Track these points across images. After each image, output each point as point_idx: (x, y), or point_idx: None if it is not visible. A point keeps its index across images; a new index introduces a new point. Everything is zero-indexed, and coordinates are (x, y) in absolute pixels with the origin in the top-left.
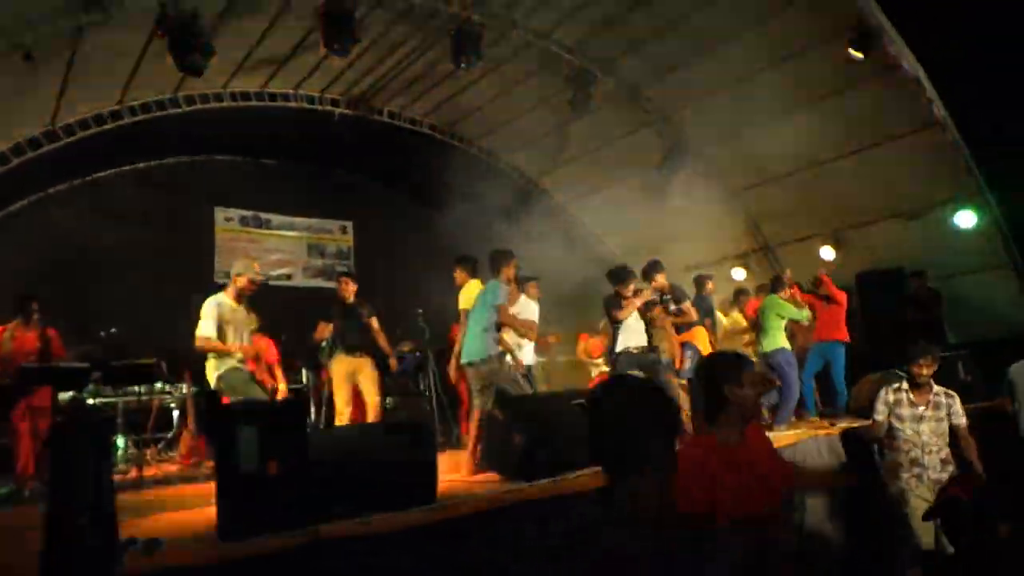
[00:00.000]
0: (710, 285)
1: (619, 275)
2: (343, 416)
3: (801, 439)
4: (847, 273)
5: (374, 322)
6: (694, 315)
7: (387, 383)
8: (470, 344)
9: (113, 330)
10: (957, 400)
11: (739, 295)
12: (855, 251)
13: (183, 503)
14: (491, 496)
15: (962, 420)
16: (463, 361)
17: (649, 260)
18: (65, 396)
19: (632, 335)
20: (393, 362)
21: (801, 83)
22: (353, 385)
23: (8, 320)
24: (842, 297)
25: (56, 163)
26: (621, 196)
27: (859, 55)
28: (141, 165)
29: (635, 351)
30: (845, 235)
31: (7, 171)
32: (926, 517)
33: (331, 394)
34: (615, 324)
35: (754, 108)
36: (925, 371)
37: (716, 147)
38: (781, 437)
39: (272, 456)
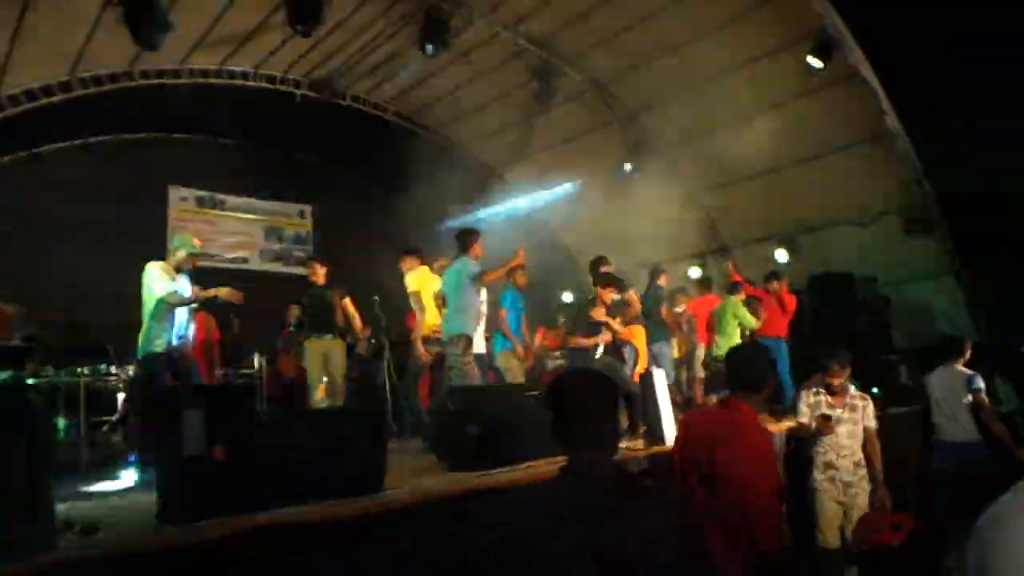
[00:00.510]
0: (663, 278)
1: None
2: (319, 396)
3: None
4: (799, 275)
5: (348, 305)
6: (637, 307)
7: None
8: (445, 323)
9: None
10: (871, 403)
11: (676, 293)
12: (808, 255)
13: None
14: (437, 486)
15: (872, 423)
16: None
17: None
18: (3, 376)
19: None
20: (363, 345)
21: (763, 88)
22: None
23: None
24: (792, 305)
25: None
26: (581, 191)
27: (818, 63)
28: (92, 140)
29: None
30: (799, 239)
31: None
32: (850, 561)
33: (292, 379)
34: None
35: (716, 110)
36: (836, 380)
37: (678, 147)
38: None
39: (218, 440)
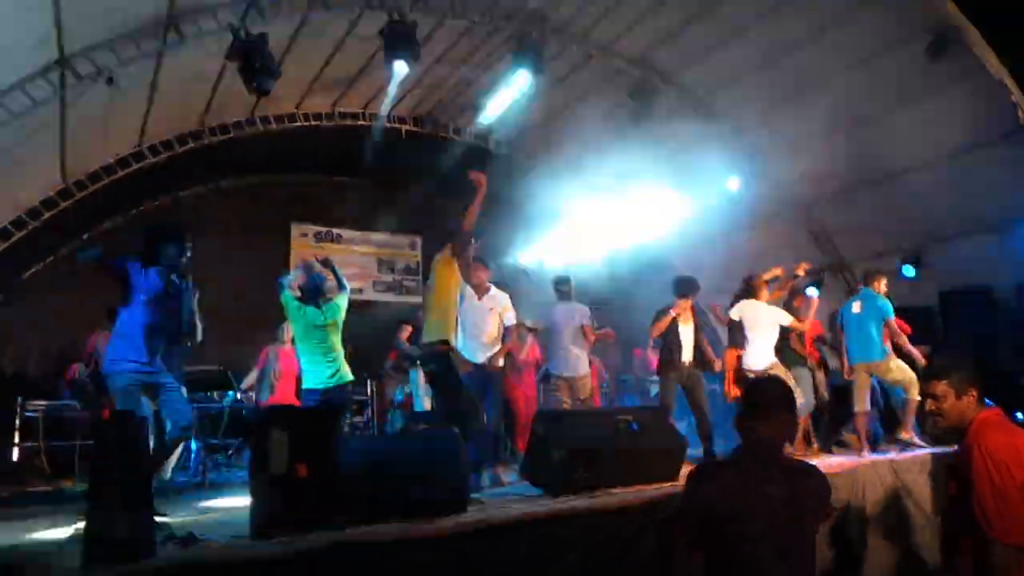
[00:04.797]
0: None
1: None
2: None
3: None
4: (928, 291)
5: None
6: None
7: None
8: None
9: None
10: None
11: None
12: (937, 268)
13: (237, 505)
14: (521, 511)
15: None
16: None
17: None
18: None
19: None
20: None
21: (876, 91)
22: None
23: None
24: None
25: (142, 182)
26: (686, 210)
27: (937, 59)
28: (222, 184)
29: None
30: (927, 251)
31: (99, 189)
32: None
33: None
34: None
35: (826, 118)
36: None
37: (786, 158)
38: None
39: (301, 459)
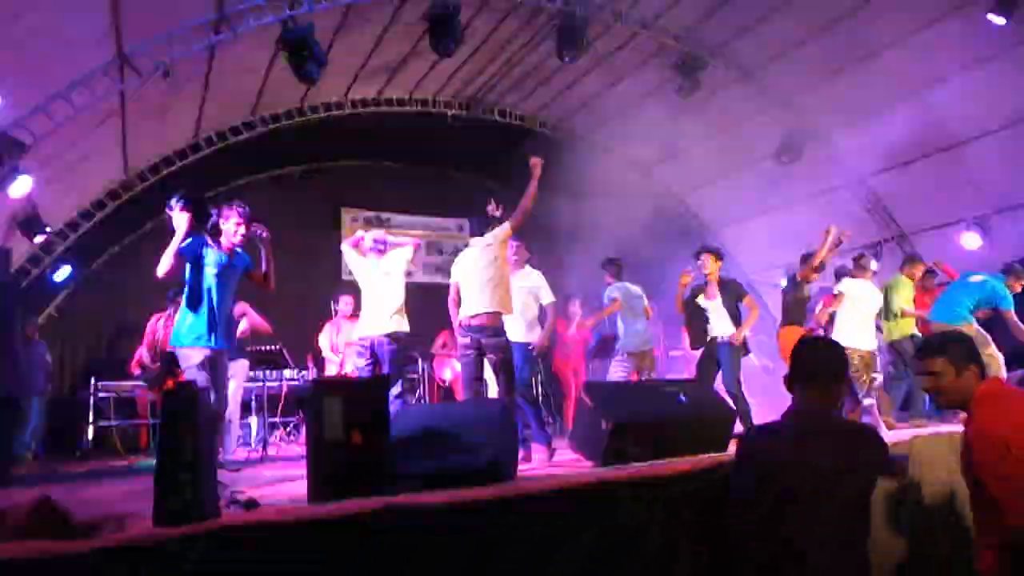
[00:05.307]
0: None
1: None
2: None
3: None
4: (994, 263)
5: None
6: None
7: None
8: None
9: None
10: None
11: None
12: (1003, 238)
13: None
14: (567, 478)
15: None
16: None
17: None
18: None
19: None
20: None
21: (938, 55)
22: None
23: (162, 309)
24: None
25: (199, 172)
26: (738, 186)
27: (1000, 20)
28: (275, 172)
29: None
30: (991, 220)
31: (158, 180)
32: None
33: (446, 381)
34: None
35: (884, 86)
36: None
37: (841, 129)
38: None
39: (354, 427)
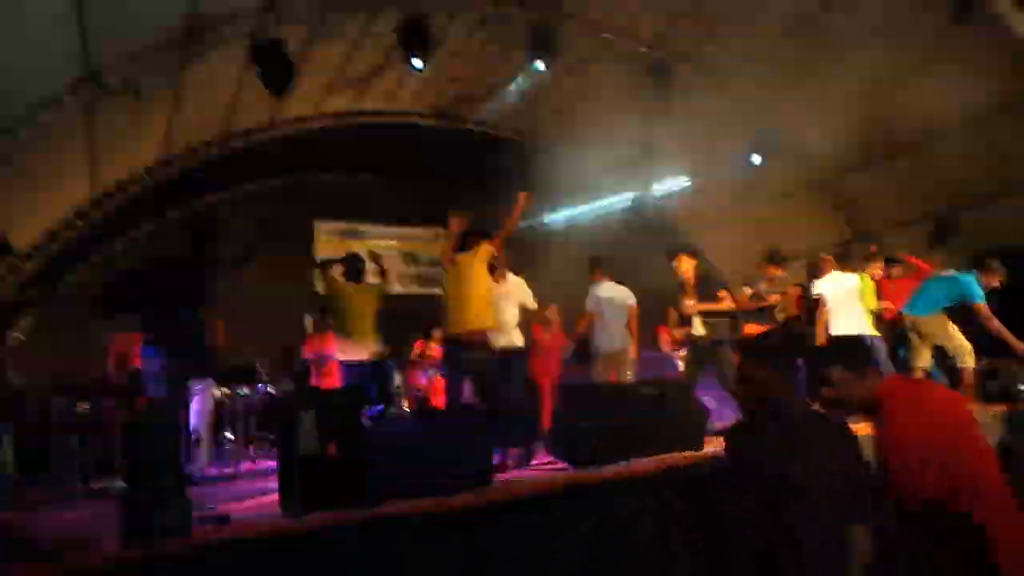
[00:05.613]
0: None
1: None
2: None
3: None
4: (956, 259)
5: None
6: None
7: None
8: None
9: None
10: None
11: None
12: (969, 234)
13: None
14: (543, 481)
15: None
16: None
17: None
18: None
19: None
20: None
21: (900, 56)
22: None
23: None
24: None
25: (170, 190)
26: (710, 188)
27: (959, 21)
28: (246, 187)
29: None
30: (954, 217)
31: (128, 198)
32: None
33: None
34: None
35: (851, 86)
36: None
37: (807, 129)
38: None
39: (329, 439)
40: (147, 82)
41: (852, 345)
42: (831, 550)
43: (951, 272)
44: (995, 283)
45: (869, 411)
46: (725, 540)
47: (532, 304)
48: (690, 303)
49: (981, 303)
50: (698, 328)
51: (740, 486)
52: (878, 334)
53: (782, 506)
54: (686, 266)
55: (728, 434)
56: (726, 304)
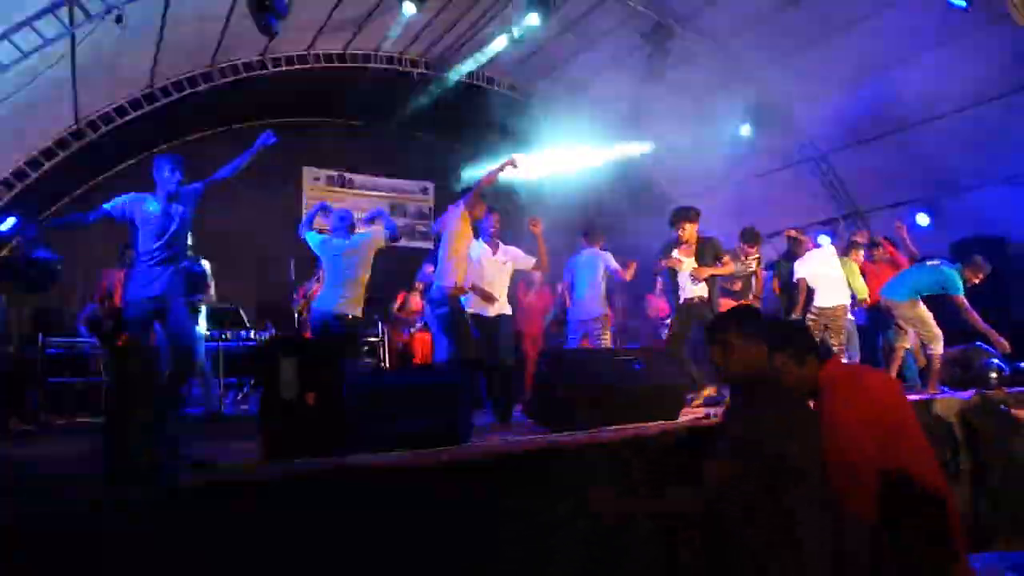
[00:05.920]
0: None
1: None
2: None
3: None
4: (941, 243)
5: None
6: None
7: None
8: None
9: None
10: None
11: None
12: (952, 219)
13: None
14: (518, 443)
15: None
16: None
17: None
18: None
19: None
20: None
21: (899, 38)
22: None
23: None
24: None
25: (154, 125)
26: (702, 157)
27: (961, 3)
28: (234, 126)
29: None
30: (942, 201)
31: (112, 130)
32: None
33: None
34: None
35: (846, 64)
36: None
37: (803, 105)
38: None
39: (309, 388)
40: (132, 8)
41: (794, 330)
42: (825, 536)
43: (937, 262)
44: (977, 280)
45: (813, 395)
46: (723, 537)
47: (531, 262)
48: (699, 268)
49: (960, 296)
50: (691, 290)
51: (739, 469)
52: (851, 317)
53: (782, 489)
54: (690, 231)
55: (724, 412)
56: (728, 268)
